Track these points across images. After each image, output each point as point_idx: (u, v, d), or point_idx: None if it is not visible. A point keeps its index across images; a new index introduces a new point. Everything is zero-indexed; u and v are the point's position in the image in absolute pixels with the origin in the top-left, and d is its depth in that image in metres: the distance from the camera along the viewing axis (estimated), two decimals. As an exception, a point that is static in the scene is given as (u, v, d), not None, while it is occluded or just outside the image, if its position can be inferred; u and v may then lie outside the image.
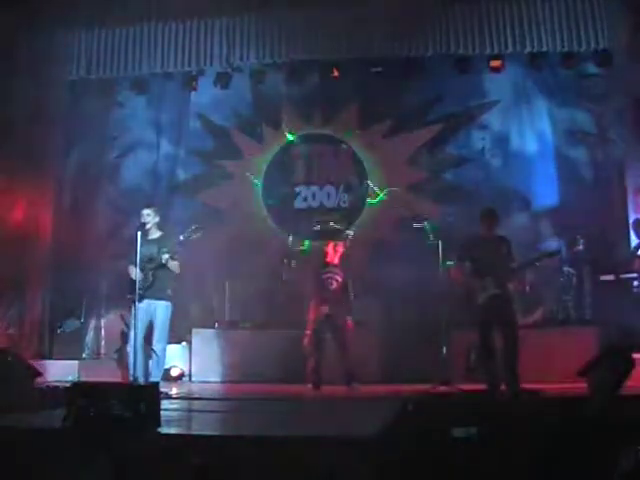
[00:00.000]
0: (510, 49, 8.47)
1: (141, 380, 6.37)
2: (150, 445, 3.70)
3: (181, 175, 10.14)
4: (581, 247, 8.29)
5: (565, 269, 8.30)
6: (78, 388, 4.13)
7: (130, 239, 6.59)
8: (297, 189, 9.99)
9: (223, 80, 9.39)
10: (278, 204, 9.95)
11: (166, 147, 10.02)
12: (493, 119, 9.52)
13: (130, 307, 6.56)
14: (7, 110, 8.69)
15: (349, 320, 7.41)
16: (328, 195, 9.93)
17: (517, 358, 6.06)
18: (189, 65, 9.05)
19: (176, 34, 8.88)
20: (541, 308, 8.21)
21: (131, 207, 8.70)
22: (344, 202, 9.89)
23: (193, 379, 8.49)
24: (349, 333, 7.41)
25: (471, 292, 6.24)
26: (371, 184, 9.75)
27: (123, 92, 9.70)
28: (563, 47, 8.38)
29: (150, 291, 6.45)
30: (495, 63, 8.91)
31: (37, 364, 6.94)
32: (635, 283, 7.98)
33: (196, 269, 8.64)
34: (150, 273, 6.45)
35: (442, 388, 6.34)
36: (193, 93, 9.75)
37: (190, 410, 5.77)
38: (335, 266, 7.73)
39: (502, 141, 9.47)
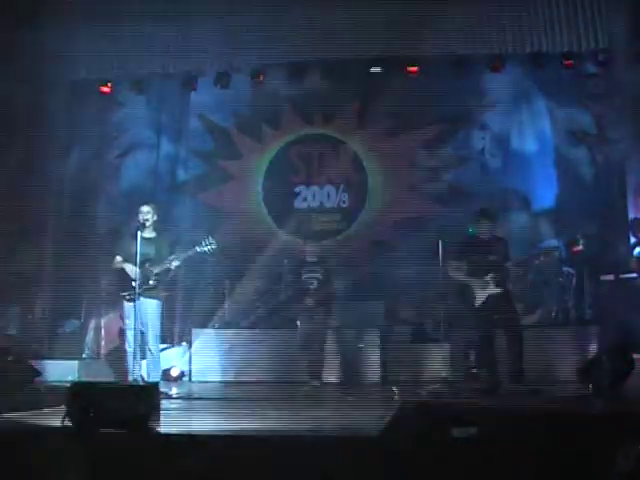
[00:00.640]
0: (510, 49, 8.46)
1: (140, 380, 6.38)
2: (150, 445, 3.70)
3: (181, 175, 10.14)
4: (581, 247, 8.29)
5: (565, 269, 8.30)
6: (78, 388, 4.13)
7: (127, 236, 6.62)
8: (297, 189, 9.99)
9: (223, 80, 9.38)
10: (278, 204, 9.95)
11: (166, 147, 10.02)
12: (493, 119, 9.52)
13: (124, 305, 6.57)
14: (7, 110, 8.68)
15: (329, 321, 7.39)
16: (328, 195, 9.93)
17: (521, 357, 6.05)
18: (189, 65, 9.05)
19: (176, 34, 8.87)
20: (541, 308, 8.21)
21: (131, 207, 8.71)
22: (344, 202, 9.89)
23: (193, 379, 8.48)
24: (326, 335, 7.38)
25: (470, 292, 6.25)
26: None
27: (123, 92, 9.70)
28: (563, 47, 8.38)
29: (144, 289, 6.45)
30: (495, 63, 8.91)
31: (37, 364, 6.94)
32: (635, 283, 7.98)
33: (196, 269, 8.65)
34: (150, 272, 6.46)
35: (442, 388, 6.34)
36: (193, 93, 9.75)
37: (190, 410, 5.77)
38: (314, 264, 7.62)
39: (502, 141, 9.47)
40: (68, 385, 4.45)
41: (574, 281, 8.24)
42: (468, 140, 9.63)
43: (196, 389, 7.57)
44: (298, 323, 7.55)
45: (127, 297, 6.51)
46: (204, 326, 8.88)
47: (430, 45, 8.50)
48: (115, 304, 8.67)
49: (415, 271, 7.98)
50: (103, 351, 9.18)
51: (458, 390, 6.37)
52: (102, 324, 9.27)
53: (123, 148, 10.02)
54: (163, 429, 4.02)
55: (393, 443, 3.29)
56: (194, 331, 8.73)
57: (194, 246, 6.51)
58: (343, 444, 3.53)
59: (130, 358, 6.45)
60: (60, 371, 7.76)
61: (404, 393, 6.25)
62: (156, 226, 6.73)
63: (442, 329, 6.88)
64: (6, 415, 4.59)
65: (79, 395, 3.96)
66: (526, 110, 9.40)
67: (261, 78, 9.39)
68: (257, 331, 8.69)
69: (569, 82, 9.07)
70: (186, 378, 8.54)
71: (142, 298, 6.47)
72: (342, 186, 9.91)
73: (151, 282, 6.43)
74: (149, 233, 6.64)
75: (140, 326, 6.51)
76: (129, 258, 6.48)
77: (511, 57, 8.82)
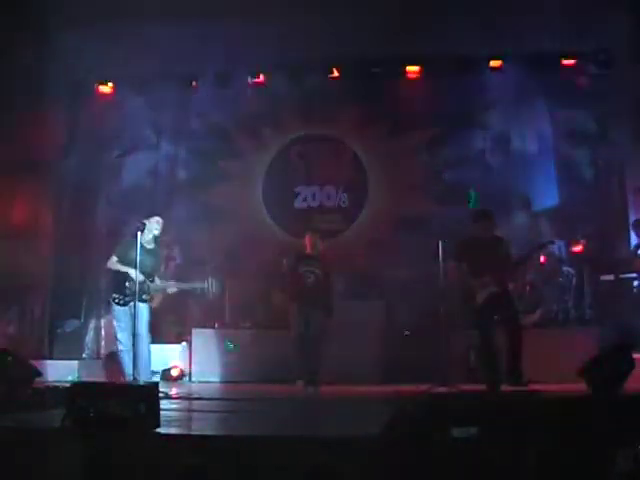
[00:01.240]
0: (510, 49, 8.47)
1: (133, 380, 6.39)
2: (150, 445, 3.70)
3: (181, 175, 10.15)
4: (581, 247, 8.29)
5: (565, 269, 8.31)
6: (78, 388, 4.12)
7: (126, 239, 6.64)
8: (297, 189, 9.99)
9: (223, 80, 9.39)
10: (278, 204, 9.96)
11: (166, 147, 10.03)
12: (493, 119, 9.52)
13: (115, 308, 6.60)
14: (7, 110, 8.68)
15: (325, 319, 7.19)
16: (328, 195, 9.94)
17: (520, 357, 6.06)
18: (189, 65, 9.05)
19: (176, 34, 8.87)
20: (541, 308, 8.21)
21: (131, 207, 8.73)
22: (344, 202, 9.90)
23: (193, 379, 8.49)
24: (323, 333, 7.20)
25: (470, 292, 6.25)
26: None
27: (123, 92, 9.71)
28: (563, 47, 8.38)
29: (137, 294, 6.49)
30: (495, 63, 8.92)
31: (37, 364, 6.94)
32: (635, 283, 7.99)
33: (196, 269, 8.66)
34: (145, 286, 6.51)
35: (442, 388, 6.33)
36: (193, 93, 9.76)
37: (190, 410, 5.77)
38: (313, 258, 7.45)
39: (502, 141, 9.47)
40: (68, 385, 4.45)
41: (574, 281, 8.25)
42: (468, 140, 9.63)
43: (196, 389, 7.57)
44: (295, 321, 7.37)
45: (118, 301, 6.54)
46: (204, 326, 8.89)
47: (430, 45, 8.52)
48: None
49: (415, 271, 7.98)
50: (103, 351, 9.20)
51: (458, 390, 6.37)
52: (102, 324, 9.29)
53: (123, 148, 10.03)
54: (163, 429, 4.02)
55: (393, 443, 3.28)
56: (194, 331, 8.74)
57: (195, 283, 6.99)
58: (343, 444, 3.52)
59: (126, 360, 6.47)
60: (60, 371, 7.77)
61: (404, 392, 6.24)
62: (157, 240, 6.77)
63: (442, 329, 6.87)
64: (6, 415, 4.58)
65: (79, 395, 3.96)
66: (526, 110, 9.40)
67: (261, 78, 9.41)
68: (257, 331, 8.70)
69: (569, 82, 9.08)
70: (186, 378, 8.55)
71: (132, 302, 6.52)
72: (342, 186, 9.92)
73: (144, 296, 6.49)
74: (149, 244, 6.67)
75: (132, 328, 6.54)
76: (125, 262, 6.50)
77: (511, 57, 8.82)
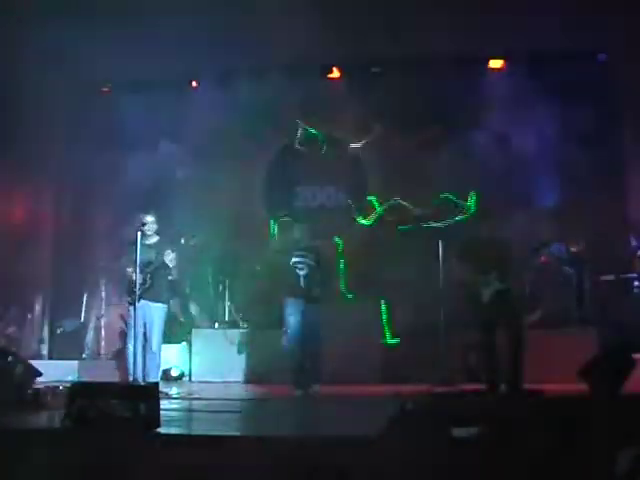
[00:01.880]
0: (510, 49, 8.47)
1: (140, 381, 6.41)
2: (150, 445, 3.70)
3: (181, 175, 10.14)
4: (581, 247, 8.29)
5: (565, 269, 8.30)
6: (78, 388, 4.13)
7: (129, 241, 6.65)
8: (297, 189, 9.99)
9: (223, 80, 9.39)
10: (278, 204, 9.95)
11: (166, 147, 10.02)
12: (493, 119, 9.51)
13: (128, 308, 6.65)
14: (8, 110, 8.69)
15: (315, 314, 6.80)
16: (328, 195, 9.93)
17: (522, 357, 6.05)
18: (189, 65, 9.04)
19: (176, 34, 8.87)
20: (541, 308, 8.21)
21: (131, 207, 8.72)
22: (344, 202, 9.89)
23: (193, 379, 8.49)
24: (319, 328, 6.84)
25: (475, 290, 6.24)
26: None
27: (123, 92, 9.70)
28: (563, 47, 8.37)
29: (147, 293, 6.55)
30: (495, 63, 8.91)
31: (37, 364, 6.95)
32: (635, 283, 7.98)
33: (196, 269, 8.66)
34: (148, 276, 6.54)
35: (442, 388, 6.34)
36: (193, 93, 9.75)
37: (190, 410, 5.77)
38: (306, 249, 7.03)
39: (502, 141, 9.46)
40: (68, 385, 4.46)
41: (574, 281, 8.25)
42: (468, 140, 9.62)
43: (196, 389, 7.57)
44: (289, 318, 7.00)
45: (129, 300, 6.59)
46: (204, 326, 8.89)
47: (430, 45, 8.52)
48: (117, 305, 8.73)
49: (415, 271, 7.98)
50: (103, 351, 9.21)
51: (458, 390, 6.38)
52: (102, 324, 9.30)
53: (123, 148, 10.02)
54: (163, 429, 4.02)
55: (393, 443, 3.28)
56: (194, 331, 8.74)
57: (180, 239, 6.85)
58: (343, 444, 3.52)
59: (130, 359, 6.49)
60: (60, 371, 7.77)
61: (404, 392, 6.25)
62: (156, 233, 6.80)
63: (443, 328, 6.88)
64: (6, 415, 4.59)
65: (79, 395, 3.96)
66: (526, 110, 9.39)
67: (261, 78, 9.40)
68: (257, 331, 8.70)
69: (569, 82, 9.07)
70: (186, 378, 8.55)
71: (146, 301, 6.55)
72: (342, 186, 9.92)
73: (152, 285, 6.51)
74: (149, 240, 6.74)
75: (142, 328, 6.60)
76: (131, 262, 6.54)
77: (511, 57, 8.82)
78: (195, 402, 6.32)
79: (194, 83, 9.58)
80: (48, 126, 9.10)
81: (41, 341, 9.05)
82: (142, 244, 6.44)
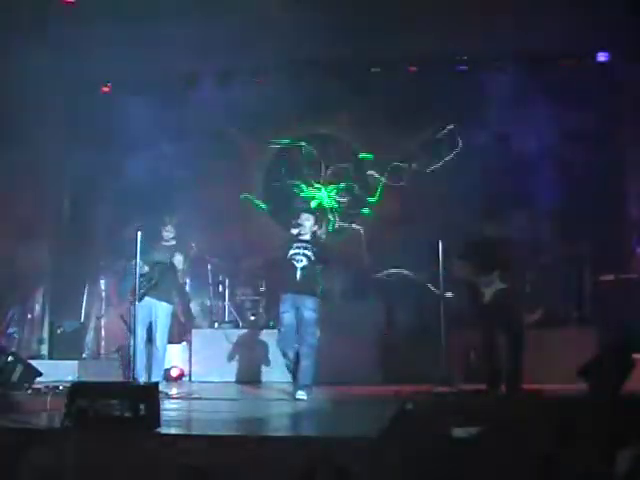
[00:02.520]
0: (510, 49, 8.46)
1: (142, 380, 6.42)
2: (150, 445, 3.70)
3: (181, 175, 10.14)
4: (581, 247, 8.29)
5: (565, 269, 8.30)
6: (78, 388, 4.13)
7: (132, 239, 6.67)
8: (297, 189, 9.99)
9: (223, 80, 9.39)
10: (278, 204, 9.95)
11: (166, 147, 10.02)
12: (493, 119, 9.51)
13: (131, 306, 6.65)
14: (7, 110, 8.68)
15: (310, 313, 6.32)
16: (328, 195, 9.94)
17: (522, 357, 6.06)
18: (189, 65, 9.04)
19: (176, 34, 8.87)
20: (541, 308, 8.21)
21: (131, 207, 8.73)
22: (344, 202, 9.89)
23: (193, 379, 8.49)
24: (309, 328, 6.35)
25: (476, 290, 6.24)
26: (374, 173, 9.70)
27: (122, 92, 9.70)
28: (563, 47, 8.37)
29: (154, 291, 6.57)
30: (495, 63, 8.90)
31: (37, 364, 6.96)
32: (635, 283, 7.98)
33: (196, 269, 8.65)
34: (156, 274, 6.58)
35: (442, 388, 6.34)
36: (193, 93, 9.75)
37: (190, 410, 5.77)
38: (306, 242, 6.58)
39: (502, 141, 9.46)
40: (68, 385, 4.46)
41: (574, 281, 8.25)
42: (468, 140, 9.62)
43: (196, 389, 7.58)
44: (282, 315, 6.49)
45: (135, 297, 6.59)
46: (204, 326, 8.89)
47: (430, 45, 8.51)
48: (115, 305, 8.73)
49: (415, 271, 7.98)
50: (103, 351, 9.21)
51: (458, 390, 6.37)
52: (102, 324, 9.30)
53: (123, 148, 10.02)
54: (163, 429, 4.02)
55: (393, 443, 3.28)
56: (194, 331, 8.74)
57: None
58: (343, 444, 3.52)
59: (136, 358, 6.51)
60: (60, 371, 7.78)
61: (404, 392, 6.25)
62: (175, 236, 6.97)
63: (442, 329, 6.87)
64: (6, 415, 4.59)
65: (79, 395, 3.96)
66: (526, 110, 9.39)
67: (261, 78, 9.40)
68: (257, 331, 8.70)
69: (569, 82, 9.07)
70: (186, 378, 8.55)
71: (152, 299, 6.58)
72: (342, 186, 9.92)
73: (160, 283, 6.61)
74: (168, 242, 6.89)
75: (146, 327, 6.63)
76: (145, 262, 6.58)
77: (511, 57, 8.82)
78: (195, 402, 6.33)
79: (194, 83, 9.56)
80: (48, 126, 9.09)
81: (41, 341, 9.04)
82: (159, 244, 6.61)
